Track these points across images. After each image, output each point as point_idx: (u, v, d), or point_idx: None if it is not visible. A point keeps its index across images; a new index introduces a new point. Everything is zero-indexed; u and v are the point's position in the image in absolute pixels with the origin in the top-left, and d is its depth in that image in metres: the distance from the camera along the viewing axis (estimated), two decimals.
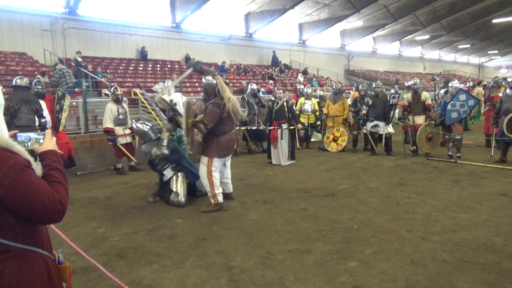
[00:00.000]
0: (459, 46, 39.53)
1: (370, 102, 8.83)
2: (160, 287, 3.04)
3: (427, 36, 33.17)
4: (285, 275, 3.14)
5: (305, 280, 3.05)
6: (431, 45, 37.09)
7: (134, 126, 5.78)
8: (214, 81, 5.02)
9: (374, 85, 9.28)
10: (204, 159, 5.06)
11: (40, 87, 7.20)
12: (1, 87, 6.25)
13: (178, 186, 5.32)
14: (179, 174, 5.42)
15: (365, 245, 3.71)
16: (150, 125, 5.75)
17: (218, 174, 5.10)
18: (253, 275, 3.18)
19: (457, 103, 7.69)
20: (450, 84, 8.43)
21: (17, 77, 6.73)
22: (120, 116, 7.80)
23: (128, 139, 7.92)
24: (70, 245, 2.89)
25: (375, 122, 8.83)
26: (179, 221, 4.64)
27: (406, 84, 8.78)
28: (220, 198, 5.04)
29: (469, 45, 39.66)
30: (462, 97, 7.66)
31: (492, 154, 8.02)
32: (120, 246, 3.89)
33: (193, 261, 3.47)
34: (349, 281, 3.02)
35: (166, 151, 5.22)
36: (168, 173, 5.43)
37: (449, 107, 7.77)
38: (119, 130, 7.77)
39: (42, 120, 6.74)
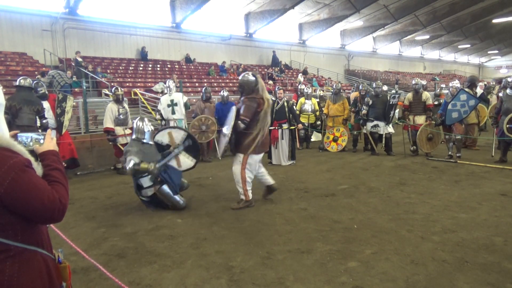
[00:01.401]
0: (459, 46, 39.53)
1: (370, 102, 8.84)
2: (160, 287, 3.04)
3: (427, 36, 33.18)
4: (285, 275, 3.14)
5: (305, 280, 3.05)
6: (431, 45, 37.10)
7: (135, 124, 5.36)
8: (253, 78, 5.01)
9: (374, 85, 9.29)
10: (239, 157, 5.05)
11: (40, 89, 7.18)
12: (1, 87, 6.26)
13: (170, 197, 5.06)
14: (163, 187, 5.01)
15: (365, 245, 3.71)
16: (153, 128, 5.37)
17: (251, 173, 5.11)
18: (253, 275, 3.17)
19: (457, 103, 7.69)
20: (450, 84, 8.43)
21: (21, 78, 6.77)
22: (121, 116, 7.80)
23: (128, 139, 7.91)
24: (70, 245, 2.90)
25: (375, 122, 8.83)
26: (179, 221, 4.64)
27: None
28: (251, 194, 5.08)
29: (469, 45, 39.66)
30: (463, 97, 7.65)
31: (492, 154, 8.02)
32: (120, 246, 3.89)
33: (193, 261, 3.47)
34: (349, 281, 3.02)
35: (156, 172, 4.92)
36: (144, 182, 5.00)
37: (449, 107, 7.77)
38: (119, 130, 7.78)
39: (44, 121, 6.76)
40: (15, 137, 1.52)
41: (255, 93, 4.97)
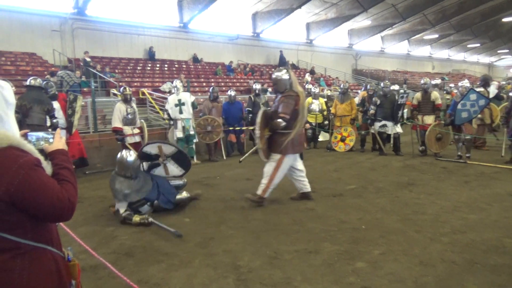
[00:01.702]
0: (469, 45, 39.12)
1: (378, 102, 8.77)
2: (168, 286, 3.05)
3: (435, 35, 32.88)
4: (292, 275, 3.13)
5: (313, 280, 3.04)
6: (440, 44, 36.75)
7: (119, 156, 4.88)
8: (287, 76, 5.02)
9: (382, 84, 9.22)
10: (275, 157, 5.02)
11: (50, 89, 7.23)
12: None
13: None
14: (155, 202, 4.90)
15: (373, 245, 3.68)
16: (138, 163, 4.93)
17: (282, 174, 5.10)
18: (260, 274, 3.17)
19: (467, 103, 7.60)
20: (460, 84, 8.34)
21: (31, 78, 6.84)
22: (129, 116, 7.84)
23: (137, 139, 7.96)
24: (79, 243, 2.92)
25: (383, 122, 8.77)
26: (187, 220, 4.66)
27: (432, 82, 8.62)
28: (268, 194, 5.08)
29: (478, 44, 39.22)
30: (473, 96, 7.57)
31: (502, 154, 7.92)
32: (128, 245, 3.91)
33: (201, 260, 3.48)
34: (357, 282, 3.00)
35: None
36: (144, 209, 4.84)
37: (459, 106, 7.68)
38: (127, 129, 7.82)
39: (54, 121, 6.82)
40: (25, 136, 1.54)
41: (290, 90, 4.98)
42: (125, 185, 4.69)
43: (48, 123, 6.77)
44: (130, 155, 4.85)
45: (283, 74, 5.03)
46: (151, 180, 5.01)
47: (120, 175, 4.77)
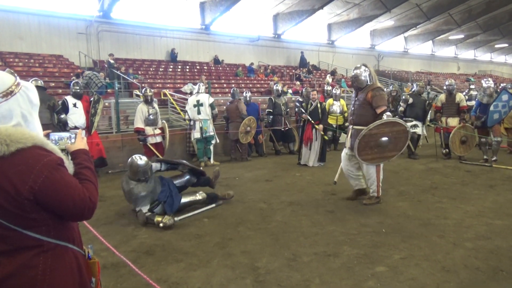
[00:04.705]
0: (496, 46, 37.98)
1: (410, 101, 8.49)
2: (187, 285, 3.09)
3: (461, 36, 32.07)
4: (310, 278, 3.11)
5: (331, 284, 3.02)
6: (466, 45, 35.81)
7: (130, 161, 4.77)
8: (367, 72, 5.04)
9: (415, 85, 8.98)
10: None
11: (77, 87, 7.41)
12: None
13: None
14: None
15: (394, 250, 3.62)
16: (144, 163, 4.73)
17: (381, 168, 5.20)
18: (278, 276, 3.17)
19: (499, 104, 7.35)
20: (485, 85, 8.07)
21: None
22: (151, 117, 7.96)
23: (158, 139, 8.08)
24: (101, 241, 2.98)
25: (415, 122, 8.46)
26: (206, 220, 4.69)
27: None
28: (381, 191, 5.19)
29: (506, 45, 37.99)
30: (505, 97, 7.32)
31: None
32: (148, 244, 3.97)
33: (219, 261, 3.50)
34: (377, 286, 2.95)
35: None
36: (158, 210, 4.77)
37: (491, 108, 7.39)
38: (149, 130, 7.95)
39: (62, 116, 6.90)
40: (47, 136, 1.58)
41: (372, 84, 5.01)
42: (139, 188, 4.65)
43: (56, 121, 6.78)
44: (140, 159, 4.73)
45: (363, 71, 5.04)
46: (160, 183, 4.93)
47: (133, 180, 4.69)
